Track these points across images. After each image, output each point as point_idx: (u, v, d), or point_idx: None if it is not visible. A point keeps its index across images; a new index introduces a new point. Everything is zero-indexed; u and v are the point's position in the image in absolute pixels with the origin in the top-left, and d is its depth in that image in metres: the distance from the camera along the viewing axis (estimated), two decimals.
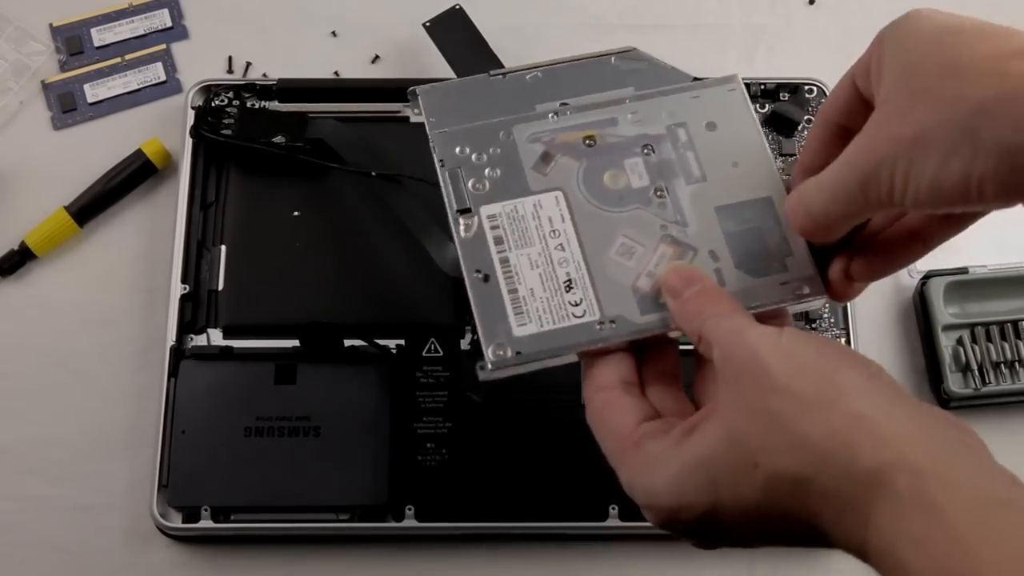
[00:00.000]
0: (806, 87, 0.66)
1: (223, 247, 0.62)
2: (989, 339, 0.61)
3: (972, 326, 0.61)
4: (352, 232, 0.62)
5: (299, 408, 0.58)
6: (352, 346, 0.59)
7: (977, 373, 0.61)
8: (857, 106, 0.40)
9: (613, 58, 0.48)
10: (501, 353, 0.41)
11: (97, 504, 0.60)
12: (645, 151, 0.45)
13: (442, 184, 0.44)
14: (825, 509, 0.33)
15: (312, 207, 0.63)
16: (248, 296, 0.61)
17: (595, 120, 0.46)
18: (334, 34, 0.70)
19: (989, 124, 0.33)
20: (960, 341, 0.61)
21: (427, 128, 0.46)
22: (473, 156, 0.45)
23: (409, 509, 0.57)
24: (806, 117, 0.65)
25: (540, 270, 0.42)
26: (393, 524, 0.57)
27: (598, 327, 0.41)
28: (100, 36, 0.69)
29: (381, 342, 0.59)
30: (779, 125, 0.65)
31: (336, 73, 0.69)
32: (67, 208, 0.64)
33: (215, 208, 0.63)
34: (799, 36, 0.71)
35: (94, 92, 0.68)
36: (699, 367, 0.41)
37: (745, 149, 0.46)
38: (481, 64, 0.64)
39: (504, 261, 0.43)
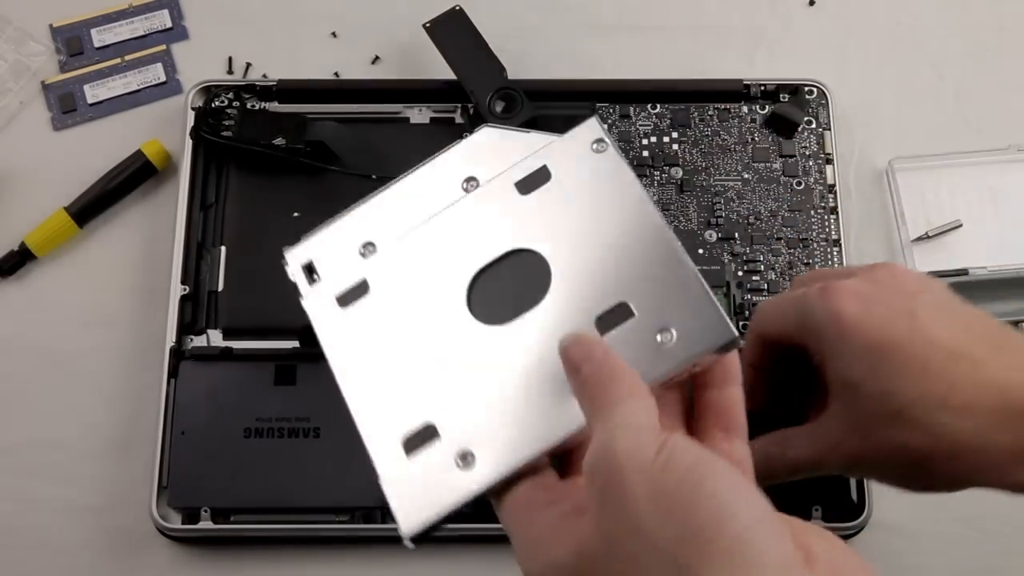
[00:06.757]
0: (806, 88, 0.66)
1: (223, 248, 0.62)
2: None
3: None
4: None
5: (299, 409, 0.58)
6: None
7: None
8: (790, 342, 0.42)
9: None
10: None
11: (97, 505, 0.60)
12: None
13: None
14: None
15: (312, 208, 0.63)
16: (248, 297, 0.61)
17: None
18: (334, 35, 0.70)
19: (923, 478, 0.39)
20: None
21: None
22: None
23: None
24: (806, 118, 0.65)
25: None
26: (393, 525, 0.57)
27: None
28: (100, 37, 0.69)
29: None
30: (779, 126, 0.65)
31: (336, 74, 0.68)
32: (67, 209, 0.64)
33: (215, 209, 0.63)
34: (799, 37, 0.70)
35: (94, 93, 0.68)
36: None
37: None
38: (481, 65, 0.64)
39: None
